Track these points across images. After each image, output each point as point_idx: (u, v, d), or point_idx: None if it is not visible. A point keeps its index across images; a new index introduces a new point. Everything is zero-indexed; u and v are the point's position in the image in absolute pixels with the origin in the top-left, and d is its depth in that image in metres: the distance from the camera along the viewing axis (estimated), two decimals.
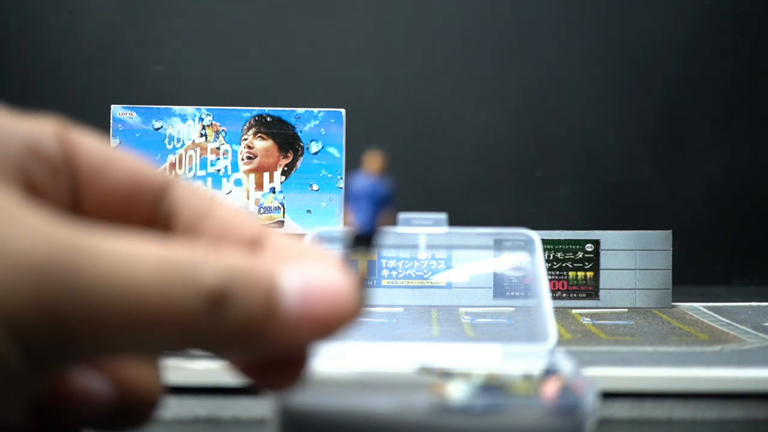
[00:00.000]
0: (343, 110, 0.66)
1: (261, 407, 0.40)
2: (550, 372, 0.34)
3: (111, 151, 0.25)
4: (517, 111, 0.95)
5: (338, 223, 0.65)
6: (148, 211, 0.26)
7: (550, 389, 0.30)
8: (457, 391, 0.30)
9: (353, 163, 0.70)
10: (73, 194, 0.25)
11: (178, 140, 0.66)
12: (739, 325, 0.57)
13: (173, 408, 0.40)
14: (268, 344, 0.22)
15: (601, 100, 0.94)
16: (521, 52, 0.95)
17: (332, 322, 0.22)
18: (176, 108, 0.66)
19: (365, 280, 0.24)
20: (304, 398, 0.30)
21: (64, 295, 0.20)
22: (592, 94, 0.94)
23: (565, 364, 0.35)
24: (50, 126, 0.24)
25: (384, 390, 0.31)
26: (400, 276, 0.65)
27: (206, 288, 0.21)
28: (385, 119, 0.94)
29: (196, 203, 0.26)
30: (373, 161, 0.26)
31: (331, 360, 0.38)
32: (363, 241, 0.25)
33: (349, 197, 0.25)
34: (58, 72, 0.93)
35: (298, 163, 0.66)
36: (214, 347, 0.22)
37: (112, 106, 0.66)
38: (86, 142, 0.25)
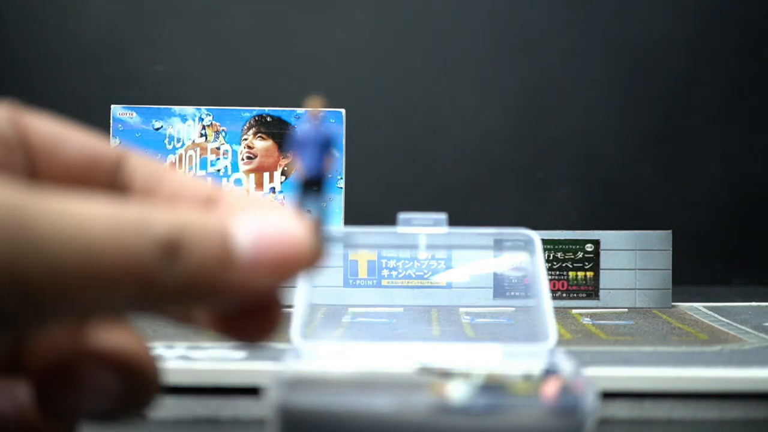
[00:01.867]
0: (343, 110, 0.66)
1: (261, 407, 0.40)
2: (550, 372, 0.34)
3: (63, 129, 0.27)
4: (517, 111, 0.95)
5: (338, 223, 0.65)
6: (105, 184, 0.27)
7: (550, 389, 0.30)
8: (457, 391, 0.30)
9: (353, 163, 0.70)
10: (30, 171, 0.26)
11: (178, 140, 0.66)
12: (739, 325, 0.57)
13: (173, 408, 0.40)
14: (226, 292, 0.22)
15: (601, 100, 0.94)
16: (521, 53, 0.95)
17: (288, 265, 0.23)
18: (176, 108, 0.66)
19: (320, 224, 0.24)
20: (303, 398, 0.30)
21: (18, 250, 0.20)
22: (592, 94, 0.94)
23: (565, 364, 0.35)
24: (2, 110, 0.26)
25: (384, 390, 0.31)
26: (400, 276, 0.65)
27: (159, 236, 0.21)
28: (385, 119, 0.94)
29: (149, 171, 0.27)
30: (313, 105, 0.27)
31: (331, 360, 0.38)
32: (312, 185, 0.26)
33: (295, 144, 0.26)
34: (58, 72, 0.93)
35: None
36: (174, 299, 0.22)
37: (112, 106, 0.66)
38: (38, 122, 0.26)
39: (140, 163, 0.27)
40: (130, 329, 0.26)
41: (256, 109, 0.66)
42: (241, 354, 0.44)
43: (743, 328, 0.56)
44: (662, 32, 0.94)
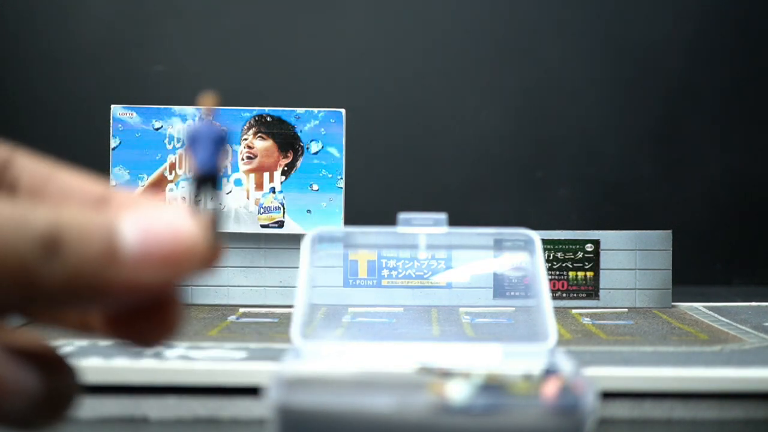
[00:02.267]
0: (343, 110, 0.66)
1: (260, 407, 0.40)
2: (550, 372, 0.34)
3: None
4: (517, 111, 0.95)
5: (338, 223, 0.65)
6: None
7: (550, 389, 0.30)
8: (457, 391, 0.30)
9: (353, 163, 0.70)
10: None
11: (178, 140, 0.66)
12: (739, 325, 0.57)
13: (175, 408, 0.40)
14: (112, 290, 0.22)
15: (601, 100, 0.94)
16: (521, 53, 0.95)
17: (176, 261, 0.22)
18: (176, 108, 0.66)
19: (213, 221, 0.24)
20: (303, 398, 0.30)
21: None
22: (592, 94, 0.94)
23: (565, 364, 0.35)
24: None
25: (384, 390, 0.31)
26: (400, 276, 0.65)
27: (38, 232, 0.21)
28: (385, 119, 0.94)
29: (37, 171, 0.26)
30: (206, 102, 0.27)
31: (331, 360, 0.38)
32: (206, 181, 0.26)
33: (187, 141, 0.26)
34: (58, 72, 0.93)
35: (298, 163, 0.66)
36: (57, 298, 0.22)
37: (112, 106, 0.66)
38: None
39: (26, 163, 0.26)
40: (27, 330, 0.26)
41: (256, 109, 0.66)
42: (241, 354, 0.44)
43: (743, 328, 0.56)
44: (662, 32, 0.94)
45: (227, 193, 0.57)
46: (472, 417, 0.29)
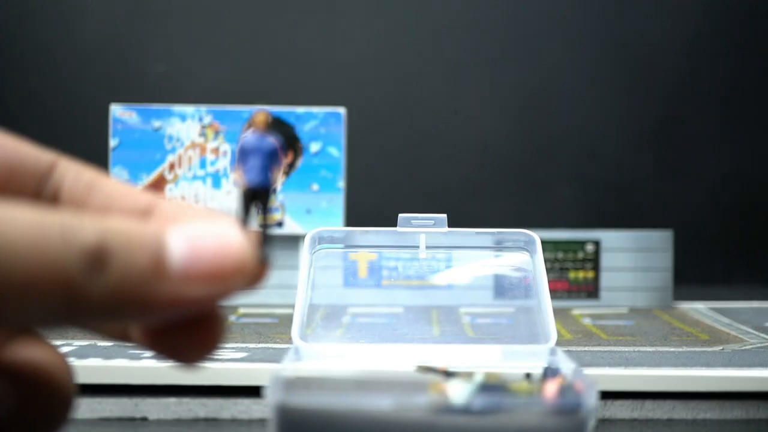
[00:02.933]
0: (343, 110, 0.66)
1: (260, 408, 0.39)
2: (550, 372, 0.34)
3: None
4: (518, 111, 0.94)
5: (338, 224, 0.65)
6: (31, 193, 0.25)
7: (551, 389, 0.30)
8: (457, 392, 0.30)
9: (353, 163, 0.70)
10: None
11: (178, 140, 0.66)
12: (740, 326, 0.57)
13: (174, 408, 0.40)
14: (157, 304, 0.21)
15: (601, 100, 0.94)
16: (522, 52, 0.95)
17: (223, 277, 0.22)
18: (176, 108, 0.66)
19: (263, 238, 0.24)
20: (302, 398, 0.30)
21: None
22: (593, 93, 0.94)
23: (566, 364, 0.35)
24: None
25: (383, 390, 0.31)
26: (400, 276, 0.65)
27: (85, 245, 0.20)
28: (385, 119, 0.94)
29: (81, 178, 0.26)
30: (258, 118, 0.26)
31: (330, 360, 0.38)
32: (258, 196, 0.25)
33: (239, 155, 0.25)
34: (57, 72, 0.93)
35: (298, 163, 0.66)
36: (102, 311, 0.21)
37: (112, 105, 0.66)
38: None
39: (70, 169, 0.26)
40: (43, 342, 0.25)
41: (257, 107, 0.66)
42: (240, 354, 0.44)
43: (744, 328, 0.56)
44: (662, 32, 0.94)
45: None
46: (472, 417, 0.29)
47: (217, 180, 0.66)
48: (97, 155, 0.67)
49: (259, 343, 0.48)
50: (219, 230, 0.22)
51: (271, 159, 0.25)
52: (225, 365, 0.41)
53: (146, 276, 0.21)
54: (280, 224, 0.65)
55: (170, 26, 0.94)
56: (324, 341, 0.44)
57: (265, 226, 0.25)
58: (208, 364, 0.41)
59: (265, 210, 0.25)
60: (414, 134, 0.95)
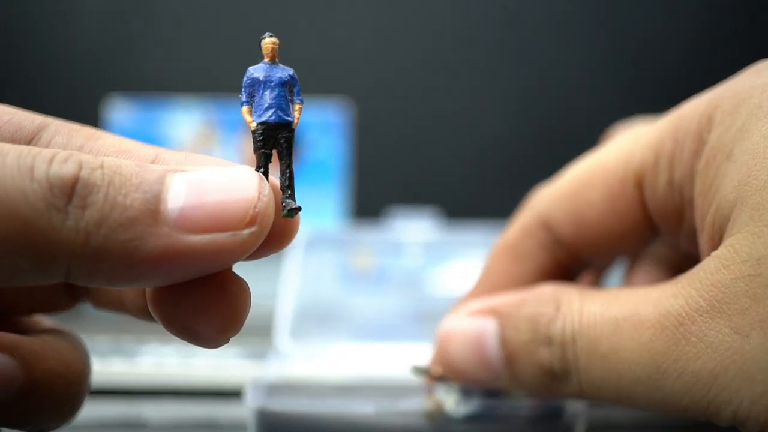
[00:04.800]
0: (344, 108, 0.66)
1: (240, 410, 0.39)
2: None
3: None
4: (519, 109, 0.94)
5: (336, 221, 0.65)
6: None
7: None
8: (452, 403, 0.30)
9: (355, 159, 0.69)
10: None
11: (178, 137, 0.65)
12: None
13: (172, 411, 0.40)
14: (149, 256, 0.18)
15: (603, 95, 0.94)
16: (525, 47, 0.95)
17: (228, 222, 0.19)
18: (175, 104, 0.66)
19: (287, 185, 0.20)
20: (283, 403, 0.30)
21: None
22: (596, 88, 0.94)
23: None
24: None
25: (365, 395, 0.31)
26: (395, 275, 0.65)
27: (53, 174, 0.18)
28: (386, 117, 0.94)
29: (74, 137, 0.23)
30: (269, 45, 0.22)
31: (319, 362, 0.37)
32: (275, 135, 0.21)
33: (248, 89, 0.21)
34: (56, 70, 0.93)
35: (299, 162, 0.66)
36: (79, 263, 0.18)
37: (110, 102, 0.66)
38: None
39: (61, 131, 0.23)
40: (73, 343, 0.24)
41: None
42: (238, 356, 0.44)
43: None
44: (664, 32, 0.94)
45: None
46: (455, 423, 0.29)
47: None
48: None
49: (256, 345, 0.48)
50: (229, 174, 0.19)
51: (288, 90, 0.21)
52: (222, 368, 0.41)
53: (136, 216, 0.18)
54: None
55: (168, 19, 0.94)
56: (315, 342, 0.44)
57: (288, 171, 0.20)
58: (205, 368, 0.41)
59: (288, 153, 0.20)
60: (415, 132, 0.94)
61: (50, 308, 0.25)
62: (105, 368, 0.41)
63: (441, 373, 0.30)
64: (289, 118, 0.20)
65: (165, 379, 0.40)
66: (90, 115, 0.74)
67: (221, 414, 0.40)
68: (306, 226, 0.44)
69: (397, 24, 0.95)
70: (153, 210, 0.18)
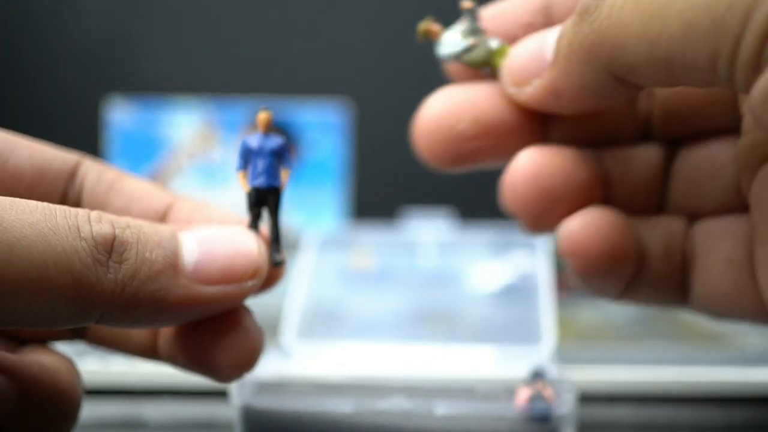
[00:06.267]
0: (344, 108, 0.66)
1: (226, 410, 0.39)
2: (537, 375, 0.33)
3: (12, 138, 0.26)
4: None
5: (339, 221, 0.65)
6: (60, 194, 0.26)
7: (522, 397, 0.30)
8: (450, 42, 0.29)
9: (355, 161, 0.69)
10: None
11: (177, 138, 0.66)
12: (742, 326, 0.56)
13: (172, 411, 0.40)
14: (173, 302, 0.22)
15: None
16: None
17: (236, 276, 0.23)
18: (175, 105, 0.66)
19: (275, 239, 0.24)
20: (269, 401, 0.30)
21: None
22: None
23: (551, 369, 0.34)
24: None
25: (351, 393, 0.31)
26: (399, 275, 0.65)
27: (99, 234, 0.20)
28: (388, 116, 0.94)
29: (103, 179, 0.26)
30: (262, 117, 0.25)
31: (320, 361, 0.37)
32: (266, 198, 0.24)
33: (243, 156, 0.24)
34: (56, 70, 0.93)
35: (299, 162, 0.66)
36: (116, 309, 0.21)
37: (110, 102, 0.66)
38: None
39: (92, 170, 0.26)
40: (51, 349, 0.25)
41: (257, 98, 0.66)
42: None
43: (747, 328, 0.55)
44: None
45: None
46: (440, 421, 0.29)
47: (216, 178, 0.66)
48: (94, 149, 0.67)
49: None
50: (231, 233, 0.23)
51: (278, 158, 0.24)
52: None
53: (161, 270, 0.21)
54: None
55: (168, 19, 0.94)
56: (318, 341, 0.44)
57: (275, 228, 0.24)
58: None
59: (275, 212, 0.24)
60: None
61: (55, 338, 0.27)
62: (105, 368, 0.41)
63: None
64: (277, 183, 0.24)
65: (165, 379, 0.41)
66: (90, 116, 0.75)
67: (222, 414, 0.40)
68: (306, 226, 0.44)
69: (397, 23, 0.95)
70: (173, 264, 0.22)
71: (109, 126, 0.66)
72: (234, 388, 0.31)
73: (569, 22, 0.23)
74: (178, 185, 0.66)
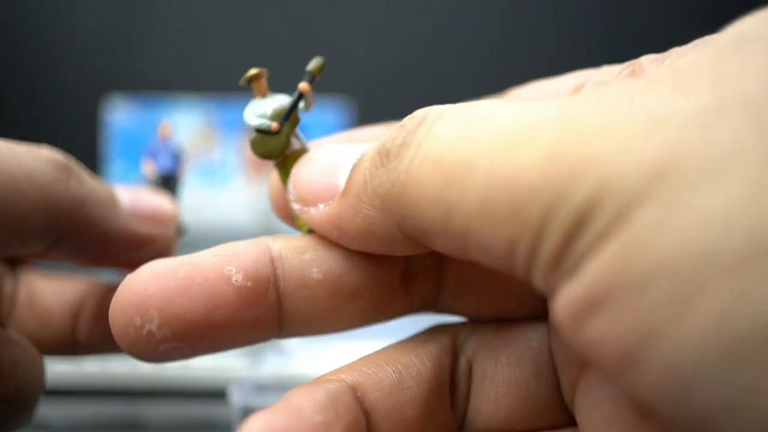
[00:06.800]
0: (346, 105, 0.66)
1: (225, 410, 0.39)
2: None
3: None
4: None
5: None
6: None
7: None
8: (257, 108, 0.25)
9: None
10: None
11: (178, 138, 0.66)
12: None
13: (173, 412, 0.40)
14: (117, 232, 0.25)
15: None
16: (528, 49, 0.95)
17: (161, 219, 0.27)
18: (175, 104, 0.66)
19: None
20: (269, 401, 0.30)
21: None
22: None
23: None
24: None
25: None
26: None
27: (51, 159, 0.24)
28: (389, 116, 0.93)
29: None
30: (164, 130, 0.32)
31: (310, 361, 0.37)
32: (167, 182, 0.31)
33: (149, 153, 0.31)
34: (56, 68, 0.93)
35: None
36: (77, 225, 0.24)
37: (110, 101, 0.66)
38: None
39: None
40: (16, 339, 0.26)
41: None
42: (239, 358, 0.44)
43: None
44: (667, 31, 0.94)
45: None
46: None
47: (216, 177, 0.66)
48: (93, 147, 0.67)
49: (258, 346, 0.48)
50: (151, 192, 0.28)
51: (176, 156, 0.31)
52: (223, 369, 0.41)
53: (107, 199, 0.25)
54: None
55: (167, 17, 0.94)
56: (317, 341, 0.44)
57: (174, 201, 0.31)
58: (206, 369, 0.40)
59: (174, 193, 0.31)
60: None
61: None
62: (105, 369, 0.41)
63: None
64: (172, 171, 0.32)
65: (165, 379, 0.41)
66: (89, 114, 0.75)
67: (221, 414, 0.40)
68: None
69: (398, 22, 0.95)
70: (114, 198, 0.27)
71: (109, 125, 0.66)
72: (234, 388, 0.31)
73: (369, 157, 0.20)
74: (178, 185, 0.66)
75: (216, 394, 0.40)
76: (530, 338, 0.22)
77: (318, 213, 0.22)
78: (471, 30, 0.95)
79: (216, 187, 0.65)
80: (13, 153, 0.23)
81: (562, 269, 0.16)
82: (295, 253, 0.22)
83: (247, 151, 0.65)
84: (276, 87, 0.26)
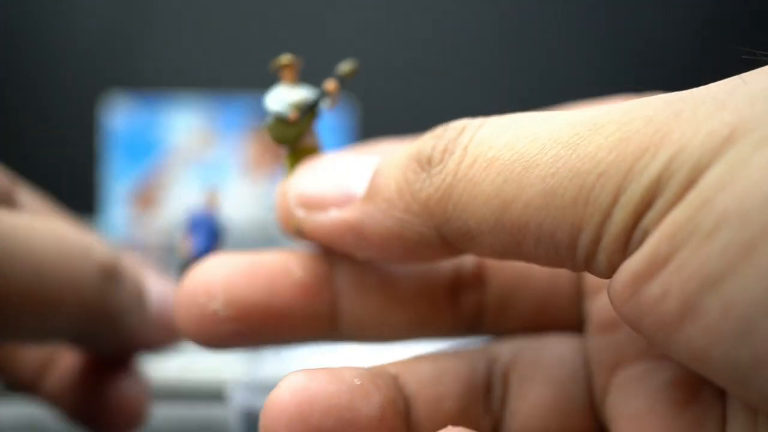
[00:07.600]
0: (350, 106, 0.66)
1: (225, 411, 0.39)
2: None
3: None
4: (527, 108, 0.94)
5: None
6: None
7: None
8: (279, 95, 0.25)
9: None
10: None
11: (176, 137, 0.65)
12: None
13: (173, 413, 0.40)
14: (145, 330, 0.26)
15: (605, 96, 0.94)
16: (533, 49, 0.95)
17: (176, 329, 0.25)
18: (174, 103, 0.66)
19: None
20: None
21: None
22: (602, 89, 0.94)
23: None
24: None
25: None
26: None
27: (101, 263, 0.24)
28: (393, 116, 0.94)
29: (38, 206, 0.28)
30: (211, 199, 0.29)
31: (310, 362, 0.37)
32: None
33: (187, 225, 0.28)
34: (54, 66, 0.93)
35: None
36: (112, 318, 0.24)
37: (109, 101, 0.66)
38: None
39: (27, 197, 0.28)
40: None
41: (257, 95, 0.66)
42: (239, 359, 0.44)
43: None
44: (668, 30, 0.93)
45: None
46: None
47: (216, 177, 0.66)
48: (92, 148, 0.67)
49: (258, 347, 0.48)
50: (169, 289, 0.28)
51: (215, 235, 0.28)
52: (223, 371, 0.41)
53: (139, 306, 0.26)
54: None
55: (168, 15, 0.94)
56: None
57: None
58: (206, 371, 0.41)
59: None
60: (422, 128, 0.94)
61: None
62: None
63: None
64: (206, 253, 0.29)
65: (164, 380, 0.40)
66: (87, 113, 0.74)
67: (221, 415, 0.40)
68: None
69: (402, 22, 0.95)
70: (143, 304, 0.28)
71: (106, 124, 0.65)
72: (233, 389, 0.31)
73: (401, 164, 0.21)
74: (177, 185, 0.65)
75: (215, 395, 0.40)
76: (564, 344, 0.23)
77: (329, 218, 0.21)
78: (474, 31, 0.95)
79: (215, 187, 0.65)
80: (64, 255, 0.23)
81: (630, 244, 0.17)
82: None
83: (247, 151, 0.65)
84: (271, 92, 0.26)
